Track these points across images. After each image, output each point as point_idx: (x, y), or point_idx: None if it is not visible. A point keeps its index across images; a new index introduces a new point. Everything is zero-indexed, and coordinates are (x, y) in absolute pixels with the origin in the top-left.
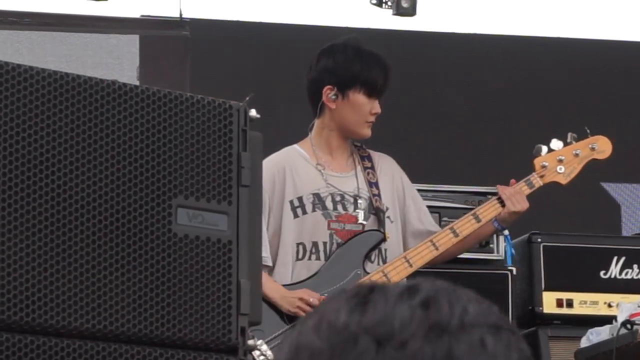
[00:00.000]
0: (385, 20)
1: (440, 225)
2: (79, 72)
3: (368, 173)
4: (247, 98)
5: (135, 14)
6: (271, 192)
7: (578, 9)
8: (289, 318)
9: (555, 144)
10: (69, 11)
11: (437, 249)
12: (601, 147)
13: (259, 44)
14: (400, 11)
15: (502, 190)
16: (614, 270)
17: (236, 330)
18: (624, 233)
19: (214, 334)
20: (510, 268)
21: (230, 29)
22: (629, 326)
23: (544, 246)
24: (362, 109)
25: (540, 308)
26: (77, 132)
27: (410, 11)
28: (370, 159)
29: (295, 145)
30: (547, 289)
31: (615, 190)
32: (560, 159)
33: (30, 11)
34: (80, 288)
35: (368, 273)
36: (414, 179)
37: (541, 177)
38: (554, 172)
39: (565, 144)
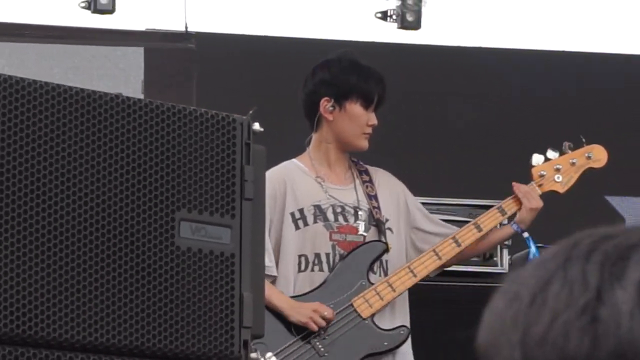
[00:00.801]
0: (390, 33)
1: None
2: (85, 84)
3: (367, 186)
4: (251, 111)
5: (141, 26)
6: (272, 204)
7: (584, 23)
8: (296, 329)
9: (552, 153)
10: (76, 24)
11: (440, 258)
12: (597, 155)
13: (264, 57)
14: (404, 25)
15: (517, 187)
16: None
17: (239, 343)
18: None
19: (216, 347)
20: None
21: (235, 42)
22: None
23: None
24: (359, 120)
25: None
26: (80, 146)
27: (415, 25)
28: (367, 173)
29: (293, 160)
30: None
31: (619, 203)
32: (557, 168)
33: (37, 24)
34: (83, 301)
35: (372, 284)
36: (418, 192)
37: (539, 185)
38: (552, 181)
39: (561, 153)
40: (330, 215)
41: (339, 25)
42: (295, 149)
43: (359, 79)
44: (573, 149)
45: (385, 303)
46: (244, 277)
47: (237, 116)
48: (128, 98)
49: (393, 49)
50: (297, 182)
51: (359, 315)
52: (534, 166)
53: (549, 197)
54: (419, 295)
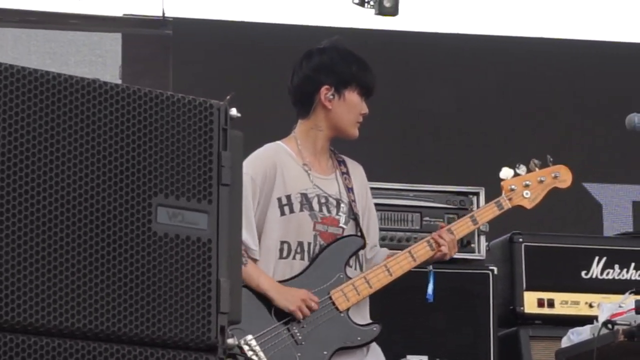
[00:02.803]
0: (368, 19)
1: (421, 225)
2: (63, 70)
3: (345, 178)
4: (228, 97)
5: (118, 12)
6: (261, 185)
7: (563, 9)
8: (277, 314)
9: (522, 168)
10: (53, 9)
11: (414, 260)
12: (563, 176)
13: (241, 43)
14: (382, 11)
15: (440, 236)
16: (595, 270)
17: (215, 329)
18: (606, 233)
19: (193, 332)
20: (491, 268)
21: (212, 28)
22: (609, 326)
23: (525, 246)
24: (356, 108)
25: (522, 308)
26: (57, 131)
27: (392, 11)
28: (345, 164)
29: (279, 143)
30: (529, 289)
31: (596, 190)
32: (526, 184)
33: (14, 8)
34: (60, 287)
35: (350, 277)
36: (394, 178)
37: (509, 199)
38: (521, 196)
39: (529, 169)
40: (315, 205)
41: (316, 11)
42: (271, 134)
43: (359, 68)
44: (540, 167)
45: (361, 298)
46: (221, 263)
47: (215, 102)
48: (105, 83)
49: (370, 35)
50: (286, 167)
51: (336, 307)
52: (503, 179)
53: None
54: (397, 281)
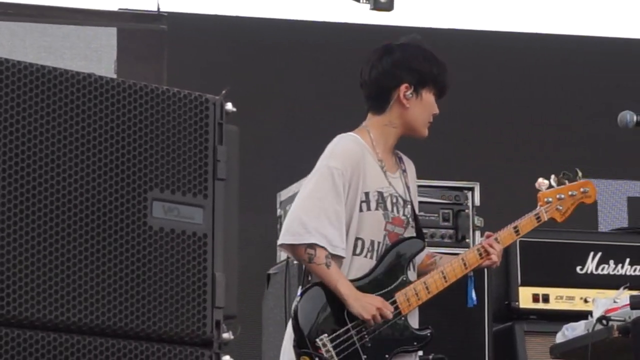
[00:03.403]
0: (363, 15)
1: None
2: (58, 64)
3: (405, 176)
4: (224, 92)
5: (113, 7)
6: (349, 180)
7: (559, 5)
8: (349, 315)
9: (554, 180)
10: (49, 3)
11: (466, 267)
12: (590, 192)
13: (236, 37)
14: (377, 6)
15: (490, 245)
16: (590, 265)
17: (211, 323)
18: (601, 229)
19: (188, 327)
20: None
21: (207, 22)
22: (604, 322)
23: (520, 241)
24: (431, 109)
25: (517, 303)
26: (52, 125)
27: (388, 6)
28: (403, 161)
29: (357, 136)
30: (524, 284)
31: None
32: (560, 197)
33: (10, 2)
34: (55, 281)
35: (411, 281)
36: None
37: (546, 212)
38: (555, 209)
39: (560, 182)
40: (389, 205)
41: (311, 5)
42: (267, 129)
43: (439, 69)
44: (569, 179)
45: (421, 302)
46: (217, 257)
47: (210, 96)
48: (100, 77)
49: (365, 30)
50: (368, 163)
51: (399, 311)
52: (539, 191)
53: (520, 180)
54: None
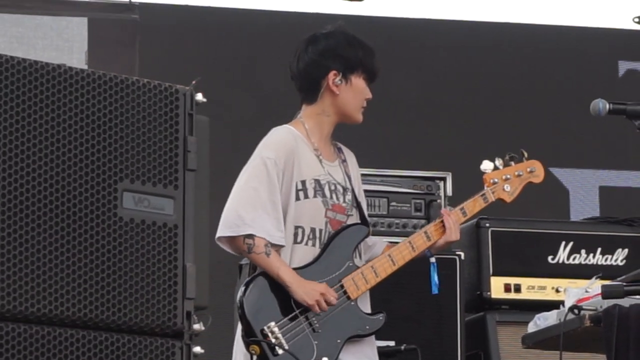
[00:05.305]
0: (334, 5)
1: (388, 210)
2: (29, 54)
3: (345, 165)
4: (194, 82)
5: None
6: (283, 170)
7: None
8: (296, 303)
9: (499, 161)
10: None
11: (414, 250)
12: (537, 171)
13: (208, 28)
14: None
15: (446, 217)
16: (562, 255)
17: (182, 314)
18: (572, 218)
19: (159, 318)
20: (458, 253)
21: (179, 13)
22: (576, 311)
23: (492, 231)
24: (362, 94)
25: (488, 293)
26: (22, 116)
27: None
28: (342, 151)
29: (291, 127)
30: (495, 274)
31: (563, 175)
32: (506, 178)
33: None
34: (25, 272)
35: (357, 266)
36: (361, 163)
37: (493, 192)
38: (502, 190)
39: (506, 164)
40: (327, 192)
41: None
42: (237, 120)
43: (365, 54)
44: (515, 161)
45: (370, 287)
46: (187, 249)
47: (180, 87)
48: (71, 68)
49: (337, 20)
50: (301, 152)
51: (347, 296)
52: (484, 172)
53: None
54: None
